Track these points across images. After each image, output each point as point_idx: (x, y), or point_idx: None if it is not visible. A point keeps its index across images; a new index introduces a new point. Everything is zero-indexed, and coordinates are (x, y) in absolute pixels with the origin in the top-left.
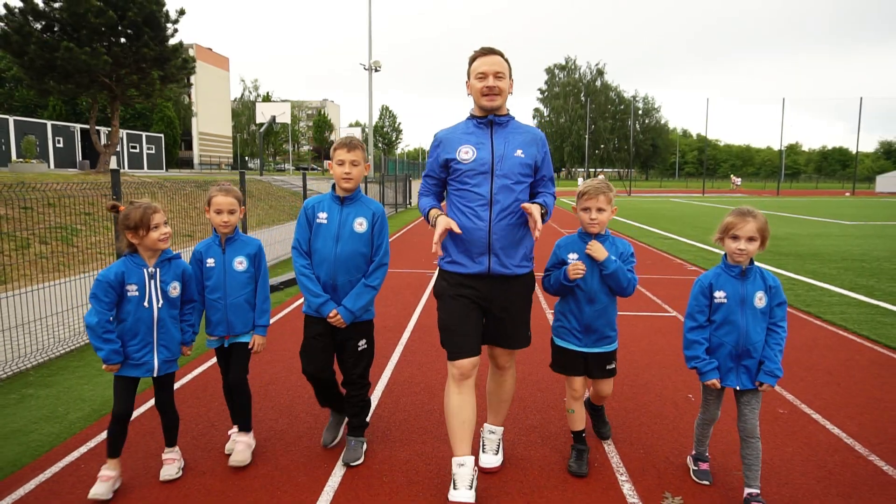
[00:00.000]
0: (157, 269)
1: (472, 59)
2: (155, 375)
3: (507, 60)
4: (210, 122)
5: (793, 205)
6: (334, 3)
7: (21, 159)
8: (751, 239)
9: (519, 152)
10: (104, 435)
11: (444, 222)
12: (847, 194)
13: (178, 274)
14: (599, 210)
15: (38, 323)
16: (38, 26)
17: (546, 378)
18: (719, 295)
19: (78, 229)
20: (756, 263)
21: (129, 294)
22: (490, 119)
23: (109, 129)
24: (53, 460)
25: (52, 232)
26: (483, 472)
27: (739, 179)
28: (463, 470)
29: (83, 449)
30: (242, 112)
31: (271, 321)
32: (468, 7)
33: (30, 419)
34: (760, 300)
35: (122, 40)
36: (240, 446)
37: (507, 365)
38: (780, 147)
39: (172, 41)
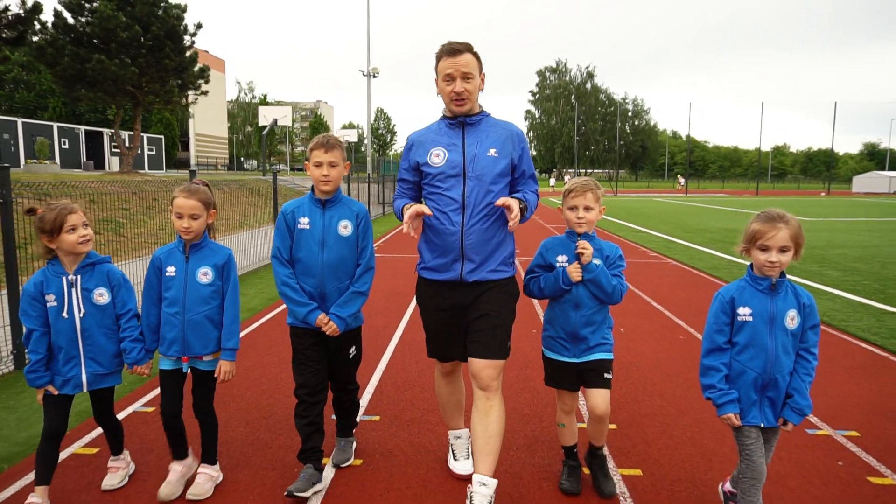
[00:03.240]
0: (79, 276)
1: (439, 57)
2: (85, 390)
3: (476, 55)
4: (206, 123)
5: (767, 204)
6: (328, 4)
7: (34, 160)
8: (783, 249)
9: (492, 151)
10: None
11: (415, 207)
12: (822, 194)
13: (104, 279)
14: (587, 209)
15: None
16: (68, 39)
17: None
18: (744, 312)
19: (121, 223)
20: (787, 277)
21: (48, 305)
22: (461, 120)
23: (107, 130)
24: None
25: (103, 224)
26: None
27: (684, 180)
28: (460, 441)
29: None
30: (238, 113)
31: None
32: (463, 10)
33: None
34: (793, 320)
35: (143, 51)
36: (201, 478)
37: (490, 384)
38: (759, 148)
39: (189, 52)
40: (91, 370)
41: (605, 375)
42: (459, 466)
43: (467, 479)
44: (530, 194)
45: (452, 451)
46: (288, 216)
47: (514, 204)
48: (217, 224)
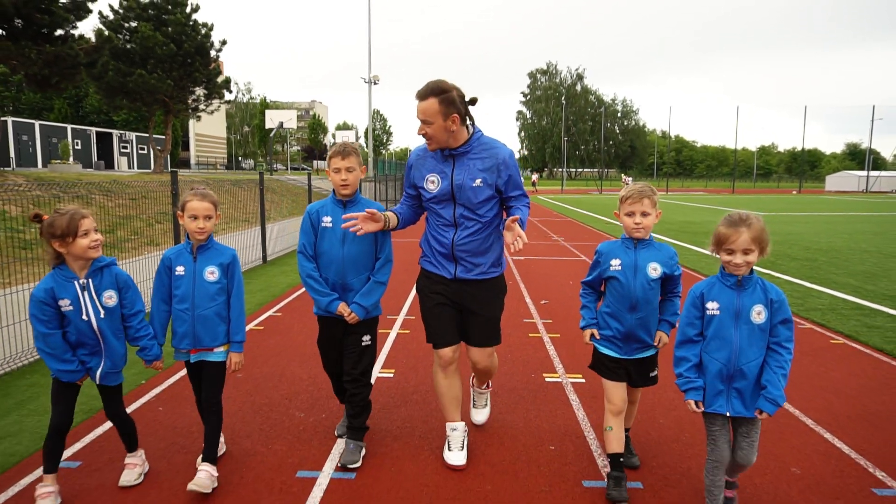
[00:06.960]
0: (90, 280)
1: None
2: (96, 381)
3: (441, 95)
4: (206, 123)
5: (737, 201)
6: (322, 4)
7: (58, 160)
8: (746, 251)
9: (477, 182)
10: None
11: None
12: (794, 192)
13: (113, 282)
14: (644, 214)
15: None
16: (109, 54)
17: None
18: (711, 306)
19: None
20: (757, 275)
21: (63, 310)
22: (448, 153)
23: (116, 132)
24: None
25: (161, 216)
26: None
27: (630, 179)
28: (455, 434)
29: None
30: (236, 114)
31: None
32: (457, 11)
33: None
34: (759, 315)
35: (176, 66)
36: (202, 473)
37: (484, 365)
38: (735, 148)
39: (213, 65)
40: (106, 367)
41: (651, 374)
42: (453, 457)
43: (459, 470)
44: (523, 209)
45: (448, 442)
46: (313, 215)
47: (517, 227)
48: (240, 217)
